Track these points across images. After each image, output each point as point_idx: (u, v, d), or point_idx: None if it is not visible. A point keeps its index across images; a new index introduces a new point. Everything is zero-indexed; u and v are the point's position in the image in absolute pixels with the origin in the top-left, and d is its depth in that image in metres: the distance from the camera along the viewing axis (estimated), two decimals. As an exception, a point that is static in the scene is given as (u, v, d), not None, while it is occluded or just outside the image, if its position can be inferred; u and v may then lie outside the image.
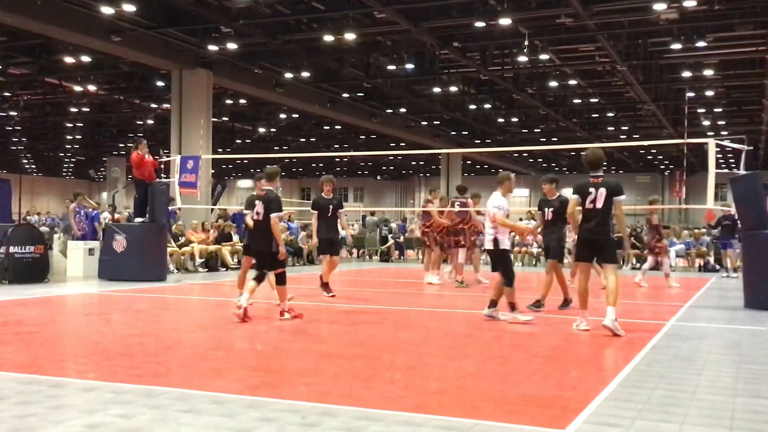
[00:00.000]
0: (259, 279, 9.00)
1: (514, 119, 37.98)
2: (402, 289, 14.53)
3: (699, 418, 4.69)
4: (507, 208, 9.09)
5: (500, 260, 9.02)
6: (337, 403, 4.84)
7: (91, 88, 30.08)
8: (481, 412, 4.70)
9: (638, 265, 21.93)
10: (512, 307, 8.85)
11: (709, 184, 12.04)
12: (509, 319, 8.82)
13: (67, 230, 17.18)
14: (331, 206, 11.72)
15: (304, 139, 46.44)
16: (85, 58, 24.70)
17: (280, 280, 9.05)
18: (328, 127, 41.59)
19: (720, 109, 34.08)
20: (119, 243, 14.46)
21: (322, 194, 11.87)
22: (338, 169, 65.89)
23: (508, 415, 4.65)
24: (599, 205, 8.13)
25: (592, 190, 8.17)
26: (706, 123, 36.42)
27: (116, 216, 18.08)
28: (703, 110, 34.17)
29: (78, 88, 30.22)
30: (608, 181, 8.25)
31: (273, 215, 8.90)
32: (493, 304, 9.12)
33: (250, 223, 9.17)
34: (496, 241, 8.90)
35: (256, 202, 9.10)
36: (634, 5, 18.97)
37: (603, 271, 8.77)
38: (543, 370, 6.16)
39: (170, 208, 18.60)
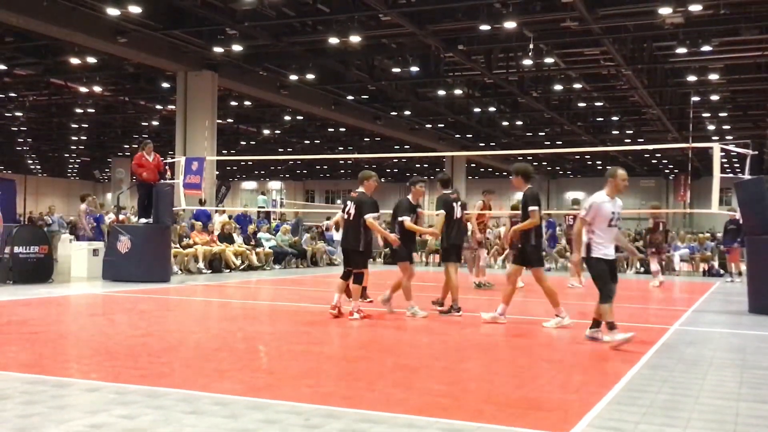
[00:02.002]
0: (345, 277, 9.66)
1: (519, 122, 37.97)
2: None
3: (703, 423, 4.68)
4: (611, 212, 7.56)
5: (594, 270, 7.59)
6: (340, 405, 4.84)
7: (97, 89, 30.18)
8: (484, 415, 4.70)
9: (642, 269, 21.90)
10: (610, 326, 7.41)
11: (714, 189, 12.03)
12: (608, 340, 7.42)
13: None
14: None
15: (308, 141, 46.51)
16: (91, 60, 24.77)
17: (358, 279, 9.51)
18: (332, 129, 41.64)
19: (725, 114, 34.06)
20: (123, 244, 14.48)
21: (409, 197, 10.32)
22: (342, 171, 65.95)
23: (512, 419, 4.65)
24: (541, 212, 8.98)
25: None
26: (711, 127, 36.37)
27: (120, 217, 18.11)
28: (708, 114, 34.14)
29: (83, 89, 30.30)
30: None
31: (368, 216, 9.31)
32: (596, 323, 7.80)
33: (333, 223, 9.71)
34: (588, 247, 7.61)
35: (348, 202, 9.61)
36: (639, 9, 18.95)
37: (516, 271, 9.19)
38: (546, 373, 6.15)
39: (203, 208, 18.71)
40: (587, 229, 7.58)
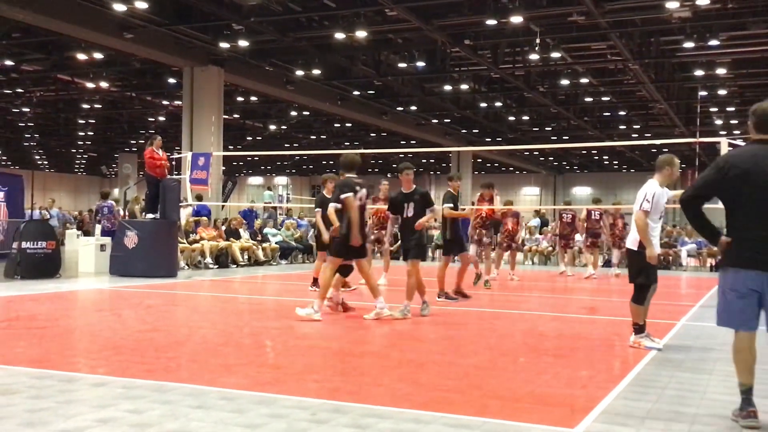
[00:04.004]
0: (342, 272, 9.51)
1: (525, 117, 37.84)
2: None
3: (710, 418, 4.67)
4: (664, 204, 7.07)
5: (641, 267, 7.00)
6: (347, 400, 4.85)
7: (103, 84, 30.21)
8: (489, 410, 4.70)
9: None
10: (637, 329, 7.15)
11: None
12: (633, 342, 7.16)
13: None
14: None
15: (314, 137, 46.50)
16: (98, 55, 24.80)
17: (345, 271, 9.48)
18: (338, 125, 41.62)
19: (732, 108, 33.84)
20: (130, 239, 14.53)
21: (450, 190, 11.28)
22: (348, 166, 65.84)
23: (517, 414, 4.65)
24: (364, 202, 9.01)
25: (358, 188, 8.83)
26: (719, 122, 36.19)
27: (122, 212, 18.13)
28: (715, 109, 33.95)
29: (90, 85, 30.35)
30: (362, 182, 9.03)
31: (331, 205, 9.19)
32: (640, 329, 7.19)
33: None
34: (640, 241, 6.95)
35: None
36: (646, 3, 18.85)
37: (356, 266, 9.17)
38: (552, 368, 6.15)
39: (203, 203, 18.51)
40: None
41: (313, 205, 12.16)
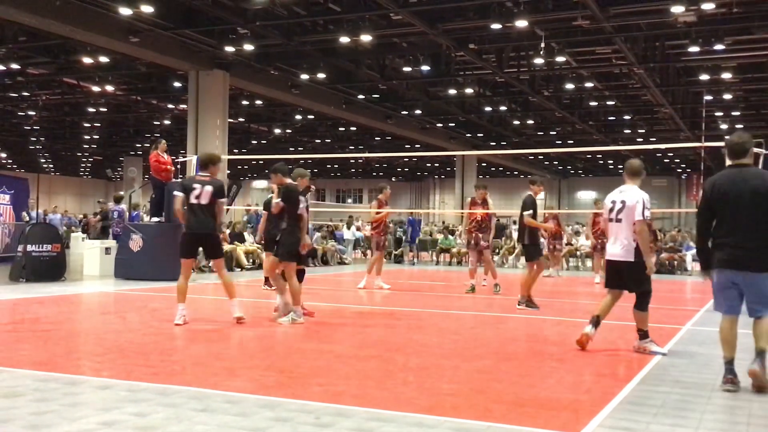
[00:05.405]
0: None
1: (530, 121, 37.86)
2: (417, 291, 14.51)
3: (714, 423, 4.66)
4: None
5: (641, 276, 7.05)
6: (350, 404, 4.85)
7: (109, 88, 30.30)
8: (494, 415, 4.70)
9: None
10: (642, 334, 7.18)
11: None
12: (637, 347, 7.22)
13: None
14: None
15: (319, 140, 46.55)
16: (103, 59, 24.88)
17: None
18: (343, 129, 41.66)
19: (738, 113, 33.81)
20: (135, 242, 14.55)
21: (530, 194, 11.04)
22: (353, 170, 66.04)
23: (522, 418, 4.64)
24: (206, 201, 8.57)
25: (196, 185, 8.56)
26: (724, 126, 36.11)
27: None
28: (720, 113, 33.91)
29: (96, 89, 30.43)
30: (214, 181, 8.68)
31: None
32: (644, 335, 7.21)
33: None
34: (638, 251, 6.97)
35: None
36: (651, 8, 18.84)
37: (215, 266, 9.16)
38: (557, 373, 6.14)
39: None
40: (634, 230, 6.92)
41: (316, 209, 12.12)
